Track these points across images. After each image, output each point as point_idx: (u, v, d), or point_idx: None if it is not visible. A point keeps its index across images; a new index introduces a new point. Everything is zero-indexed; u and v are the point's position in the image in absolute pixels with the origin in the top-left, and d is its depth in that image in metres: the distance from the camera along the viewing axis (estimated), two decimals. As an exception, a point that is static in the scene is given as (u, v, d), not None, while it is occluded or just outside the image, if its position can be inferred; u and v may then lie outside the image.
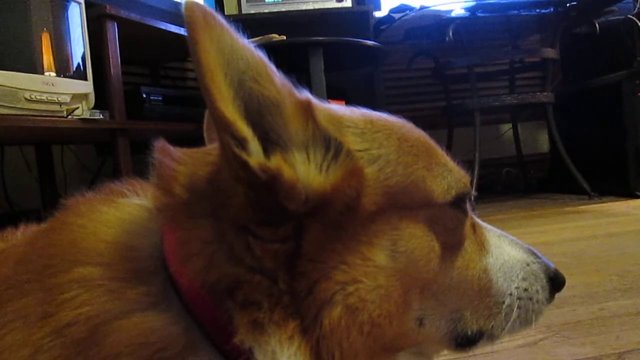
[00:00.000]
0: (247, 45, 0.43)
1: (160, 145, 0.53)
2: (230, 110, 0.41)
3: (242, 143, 0.42)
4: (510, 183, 4.16)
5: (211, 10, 0.41)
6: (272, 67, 0.44)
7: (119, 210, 0.54)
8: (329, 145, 0.48)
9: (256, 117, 0.43)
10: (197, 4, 0.40)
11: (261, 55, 0.44)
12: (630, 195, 3.09)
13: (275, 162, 0.44)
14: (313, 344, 0.46)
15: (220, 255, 0.46)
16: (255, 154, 0.42)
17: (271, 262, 0.46)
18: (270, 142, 0.44)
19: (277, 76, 0.45)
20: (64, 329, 0.44)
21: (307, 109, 0.47)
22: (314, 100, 0.49)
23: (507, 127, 4.16)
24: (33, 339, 0.44)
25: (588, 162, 3.33)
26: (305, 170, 0.46)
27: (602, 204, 2.95)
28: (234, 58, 0.41)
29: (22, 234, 0.66)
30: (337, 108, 0.54)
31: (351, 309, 0.47)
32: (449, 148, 0.66)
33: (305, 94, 0.49)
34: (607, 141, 3.33)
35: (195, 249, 0.46)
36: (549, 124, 3.40)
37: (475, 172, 3.15)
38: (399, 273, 0.50)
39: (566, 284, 0.66)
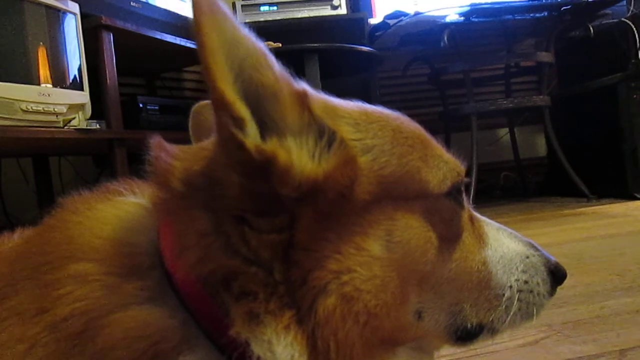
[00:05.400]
0: (248, 35, 0.43)
1: (156, 142, 0.53)
2: (230, 90, 0.41)
3: (239, 124, 0.42)
4: (509, 187, 4.16)
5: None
6: (271, 57, 0.45)
7: (116, 208, 0.54)
8: (323, 133, 0.49)
9: (254, 104, 0.44)
10: None
11: (261, 45, 0.44)
12: (629, 197, 3.09)
13: (271, 145, 0.44)
14: (309, 333, 0.46)
15: (216, 247, 0.46)
16: (252, 136, 0.43)
17: (267, 253, 0.46)
18: (266, 128, 0.45)
19: (276, 66, 0.45)
20: (59, 324, 0.44)
21: (303, 99, 0.47)
22: (310, 91, 0.50)
23: (504, 132, 4.17)
24: (29, 335, 0.44)
25: (586, 164, 3.33)
26: (299, 157, 0.46)
27: (601, 206, 2.94)
28: (235, 45, 0.42)
29: (19, 236, 0.66)
30: (333, 99, 0.54)
31: (346, 298, 0.47)
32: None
33: (302, 85, 0.49)
34: (604, 143, 3.33)
35: (191, 241, 0.46)
36: (545, 127, 3.40)
37: (474, 176, 3.15)
38: (395, 263, 0.50)
39: (566, 283, 0.65)
